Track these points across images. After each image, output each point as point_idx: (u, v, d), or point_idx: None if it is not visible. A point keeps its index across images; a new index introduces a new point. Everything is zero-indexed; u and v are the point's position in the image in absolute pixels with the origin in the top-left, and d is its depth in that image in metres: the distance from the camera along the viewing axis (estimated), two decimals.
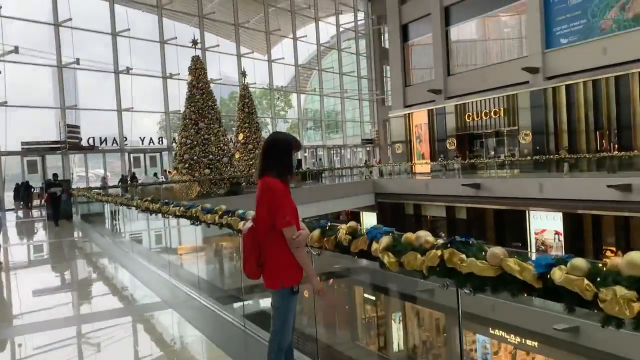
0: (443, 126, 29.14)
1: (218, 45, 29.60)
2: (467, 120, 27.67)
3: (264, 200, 2.71)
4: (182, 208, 5.55)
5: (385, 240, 2.41)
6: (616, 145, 20.91)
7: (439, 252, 2.13)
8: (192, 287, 6.06)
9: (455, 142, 28.35)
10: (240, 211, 4.11)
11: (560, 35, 22.76)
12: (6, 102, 21.03)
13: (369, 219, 29.88)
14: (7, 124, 21.16)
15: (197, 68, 21.44)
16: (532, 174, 21.95)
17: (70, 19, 22.95)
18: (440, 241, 2.20)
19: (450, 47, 28.92)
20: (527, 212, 20.38)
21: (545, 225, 20.20)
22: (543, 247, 20.47)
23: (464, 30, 28.58)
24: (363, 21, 41.79)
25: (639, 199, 15.50)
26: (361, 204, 27.23)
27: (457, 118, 28.18)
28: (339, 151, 39.29)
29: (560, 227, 19.60)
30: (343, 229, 2.77)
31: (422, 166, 29.99)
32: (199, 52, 21.77)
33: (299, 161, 32.16)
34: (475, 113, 27.21)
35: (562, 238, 19.59)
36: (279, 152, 2.80)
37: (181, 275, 6.51)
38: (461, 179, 22.99)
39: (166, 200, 6.48)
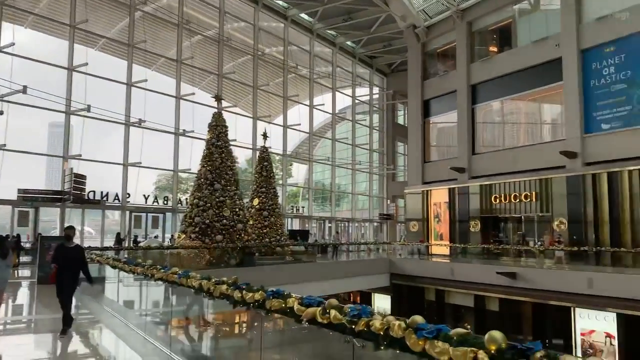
0: (466, 206, 27.42)
1: (235, 106, 28.27)
2: (494, 202, 26.01)
3: None
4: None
5: None
6: None
7: None
8: None
9: (479, 224, 26.56)
10: None
11: (602, 120, 21.69)
12: (5, 145, 18.96)
13: (382, 302, 27.38)
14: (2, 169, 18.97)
15: (219, 125, 19.87)
16: (578, 266, 19.95)
17: (85, 64, 21.47)
18: None
19: (476, 125, 27.86)
20: (572, 309, 18.21)
21: (595, 326, 17.91)
22: (591, 351, 18.13)
23: (491, 109, 27.65)
24: (378, 95, 41.32)
25: None
26: (374, 285, 24.82)
27: (482, 199, 26.53)
28: (346, 225, 37.19)
29: (613, 329, 17.35)
30: None
31: (440, 248, 27.96)
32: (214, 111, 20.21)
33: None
34: (503, 195, 25.60)
35: (614, 342, 17.35)
36: None
37: None
38: (495, 266, 20.90)
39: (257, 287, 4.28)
